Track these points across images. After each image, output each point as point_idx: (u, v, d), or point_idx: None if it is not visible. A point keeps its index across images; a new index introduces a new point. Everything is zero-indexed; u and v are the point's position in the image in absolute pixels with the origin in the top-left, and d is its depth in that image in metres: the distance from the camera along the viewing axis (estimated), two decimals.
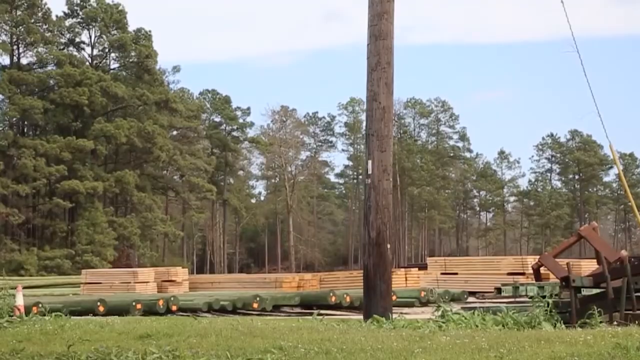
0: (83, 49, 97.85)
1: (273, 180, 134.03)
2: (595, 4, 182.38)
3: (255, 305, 29.21)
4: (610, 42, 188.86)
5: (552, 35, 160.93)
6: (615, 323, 14.58)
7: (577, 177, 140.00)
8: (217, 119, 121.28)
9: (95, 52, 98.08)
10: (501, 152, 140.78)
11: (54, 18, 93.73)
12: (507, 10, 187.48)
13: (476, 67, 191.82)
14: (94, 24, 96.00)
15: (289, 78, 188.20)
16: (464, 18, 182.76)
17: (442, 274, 39.90)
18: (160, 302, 28.53)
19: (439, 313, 15.45)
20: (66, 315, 19.24)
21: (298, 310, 29.78)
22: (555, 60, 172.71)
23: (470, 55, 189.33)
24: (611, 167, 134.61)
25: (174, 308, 28.66)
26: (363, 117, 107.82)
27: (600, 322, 14.49)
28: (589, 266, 29.53)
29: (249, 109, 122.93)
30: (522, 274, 36.55)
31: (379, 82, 16.57)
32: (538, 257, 18.06)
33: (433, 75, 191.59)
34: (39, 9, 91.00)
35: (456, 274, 39.59)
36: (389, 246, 16.62)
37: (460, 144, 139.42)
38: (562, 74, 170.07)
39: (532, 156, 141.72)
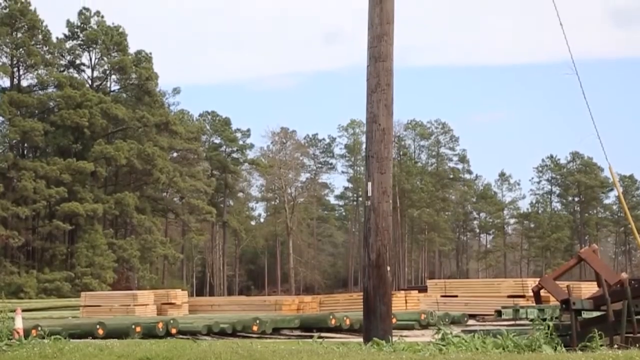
0: (83, 70, 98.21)
1: (273, 202, 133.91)
2: (595, 27, 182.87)
3: (255, 328, 29.11)
4: (610, 64, 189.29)
5: (552, 57, 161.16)
6: (615, 346, 14.51)
7: (577, 199, 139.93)
8: (217, 141, 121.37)
9: (95, 74, 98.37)
10: (502, 174, 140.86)
11: (54, 40, 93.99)
12: (507, 32, 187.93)
13: (476, 89, 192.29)
14: (94, 46, 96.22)
15: (289, 100, 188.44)
16: (464, 40, 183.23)
17: (442, 296, 39.79)
18: (160, 325, 28.43)
19: (439, 336, 15.37)
20: (65, 339, 19.13)
21: (298, 333, 29.67)
22: (556, 82, 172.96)
23: (471, 77, 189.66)
24: (611, 190, 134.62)
25: (174, 331, 28.56)
26: (363, 138, 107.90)
27: (601, 345, 14.41)
28: (589, 289, 29.45)
29: (248, 130, 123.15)
30: (523, 296, 36.44)
31: (378, 104, 16.54)
32: (538, 279, 18.00)
33: (433, 97, 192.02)
34: (39, 31, 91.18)
35: (456, 296, 39.48)
36: (388, 268, 16.55)
37: (460, 166, 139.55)
38: (563, 95, 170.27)
39: (532, 178, 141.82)
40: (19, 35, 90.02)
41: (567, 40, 15.84)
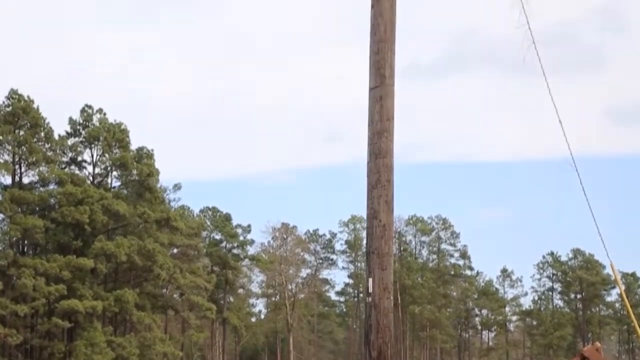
0: (85, 167, 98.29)
1: (273, 298, 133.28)
2: (594, 124, 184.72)
3: None
4: (610, 161, 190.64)
5: (551, 154, 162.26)
6: None
7: (579, 296, 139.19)
8: (218, 237, 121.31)
9: (97, 170, 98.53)
10: (504, 270, 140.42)
11: (56, 137, 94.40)
12: (507, 129, 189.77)
13: (477, 185, 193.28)
14: (96, 142, 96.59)
15: (290, 196, 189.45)
16: (464, 137, 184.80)
17: None
18: None
19: None
20: None
21: None
22: (556, 178, 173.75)
23: (471, 173, 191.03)
24: (614, 287, 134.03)
25: None
26: (364, 234, 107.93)
27: None
28: None
29: (249, 226, 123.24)
30: None
31: (379, 200, 16.52)
32: None
33: (434, 193, 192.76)
34: (42, 128, 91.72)
35: None
36: None
37: (461, 262, 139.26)
38: (563, 191, 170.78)
39: (534, 275, 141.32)
40: (22, 133, 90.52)
41: (567, 137, 15.92)
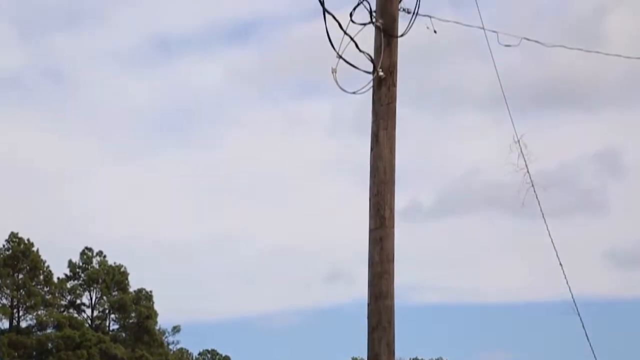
0: (83, 310, 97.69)
1: None
2: (595, 267, 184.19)
3: None
4: (612, 304, 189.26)
5: (552, 296, 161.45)
6: None
7: None
8: None
9: (95, 313, 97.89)
10: None
11: (55, 280, 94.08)
12: (507, 271, 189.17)
13: (478, 327, 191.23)
14: (95, 285, 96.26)
15: (290, 337, 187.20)
16: (465, 279, 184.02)
17: None
18: None
19: None
20: None
21: None
22: (557, 321, 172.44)
23: (472, 316, 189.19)
24: None
25: None
26: None
27: None
28: None
29: None
30: None
31: (380, 343, 16.34)
32: None
33: (435, 335, 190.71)
34: (41, 271, 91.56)
35: None
36: None
37: None
38: (565, 335, 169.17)
39: None
40: (21, 276, 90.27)
41: (567, 280, 15.87)
